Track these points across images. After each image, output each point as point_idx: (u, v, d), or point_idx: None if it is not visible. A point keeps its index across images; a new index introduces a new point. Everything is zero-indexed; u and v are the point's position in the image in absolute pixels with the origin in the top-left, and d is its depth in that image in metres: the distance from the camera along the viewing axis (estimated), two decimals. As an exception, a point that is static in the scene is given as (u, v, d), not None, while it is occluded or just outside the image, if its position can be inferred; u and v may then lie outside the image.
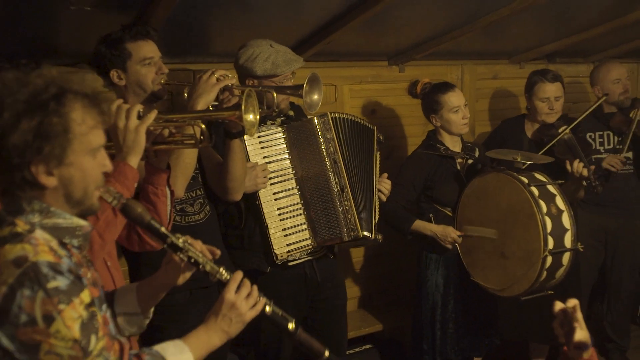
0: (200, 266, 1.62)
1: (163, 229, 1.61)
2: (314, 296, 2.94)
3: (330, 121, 2.83)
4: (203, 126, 2.03)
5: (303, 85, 2.55)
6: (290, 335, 1.70)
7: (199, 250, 1.65)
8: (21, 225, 1.40)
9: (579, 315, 1.70)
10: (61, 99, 1.39)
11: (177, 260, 1.64)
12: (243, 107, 2.05)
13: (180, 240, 1.61)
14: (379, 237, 2.95)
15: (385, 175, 3.03)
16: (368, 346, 3.75)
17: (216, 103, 2.39)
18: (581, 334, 1.71)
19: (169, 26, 2.70)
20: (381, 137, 3.03)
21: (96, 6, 2.44)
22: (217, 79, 2.33)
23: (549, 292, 3.05)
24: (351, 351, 3.66)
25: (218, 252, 1.70)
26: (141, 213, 1.59)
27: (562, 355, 1.80)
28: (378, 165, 3.00)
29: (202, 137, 2.06)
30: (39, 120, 1.35)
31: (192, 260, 1.61)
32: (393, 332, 3.82)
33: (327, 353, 1.73)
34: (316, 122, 2.81)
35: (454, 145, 3.36)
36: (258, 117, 2.16)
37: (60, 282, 1.33)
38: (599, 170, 3.60)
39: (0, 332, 1.30)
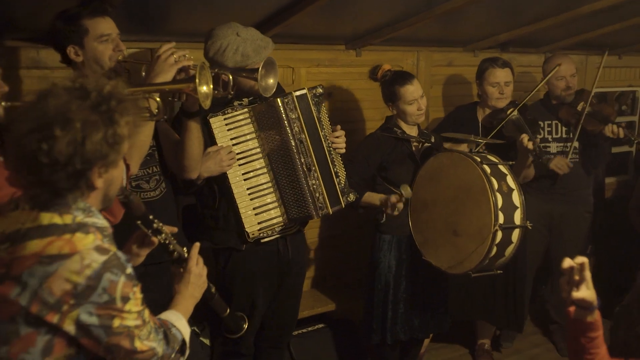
0: (171, 246, 1.92)
1: (151, 216, 1.88)
2: (284, 272, 2.99)
3: (295, 100, 2.81)
4: (158, 99, 2.05)
5: (258, 69, 2.58)
6: (212, 295, 2.10)
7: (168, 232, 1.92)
8: (78, 219, 1.56)
9: (587, 274, 1.77)
10: (122, 110, 1.55)
11: (155, 241, 1.91)
12: (197, 79, 2.08)
13: (160, 225, 1.90)
14: (351, 197, 2.99)
15: (338, 127, 3.01)
16: (320, 325, 3.82)
17: None
18: (587, 293, 1.78)
19: (128, 3, 2.68)
20: (318, 90, 2.92)
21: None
22: (176, 60, 2.34)
23: (498, 271, 3.15)
24: (304, 330, 3.73)
25: (175, 229, 1.99)
26: (141, 206, 1.86)
27: (567, 317, 1.87)
28: (326, 120, 2.98)
29: (157, 110, 2.09)
30: (109, 130, 1.52)
31: (167, 242, 1.90)
32: (345, 312, 3.88)
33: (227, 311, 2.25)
34: (280, 103, 2.79)
35: (410, 130, 3.42)
36: (212, 87, 2.20)
37: (130, 269, 1.58)
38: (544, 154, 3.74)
39: (80, 309, 1.50)
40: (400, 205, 3.10)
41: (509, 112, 3.60)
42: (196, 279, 1.95)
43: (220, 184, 2.80)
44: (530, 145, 3.38)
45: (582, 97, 4.00)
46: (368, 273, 3.50)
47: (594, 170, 4.23)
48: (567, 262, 1.77)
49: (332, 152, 2.95)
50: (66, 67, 2.54)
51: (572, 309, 1.84)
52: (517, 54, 4.55)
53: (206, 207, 2.88)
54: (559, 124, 4.08)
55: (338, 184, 2.93)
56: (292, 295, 3.11)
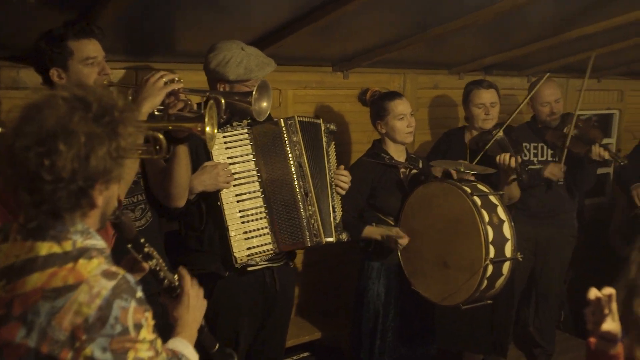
0: (162, 273, 1.74)
1: (142, 240, 1.72)
2: (270, 305, 2.91)
3: (297, 124, 2.78)
4: (161, 136, 1.97)
5: (252, 92, 2.52)
6: (201, 329, 1.90)
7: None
8: (78, 243, 1.43)
9: (614, 306, 1.70)
10: (125, 121, 1.44)
11: (146, 267, 1.74)
12: (206, 119, 2.01)
13: (152, 250, 1.73)
14: (343, 236, 2.93)
15: (342, 167, 3.01)
16: (306, 354, 3.74)
17: (162, 107, 2.33)
18: (612, 325, 1.71)
19: (116, 23, 2.60)
20: (331, 127, 2.98)
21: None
22: (165, 83, 2.27)
23: (488, 301, 3.13)
24: (290, 359, 3.64)
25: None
26: (133, 228, 1.69)
27: (588, 348, 1.82)
28: (333, 157, 2.98)
29: (158, 148, 2.00)
30: (113, 144, 1.40)
31: (158, 268, 1.73)
32: (331, 340, 3.81)
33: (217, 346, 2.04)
34: (283, 125, 2.75)
35: (398, 155, 3.38)
36: (216, 130, 2.13)
37: (140, 293, 1.45)
38: (530, 171, 3.75)
39: (93, 345, 1.35)
40: (404, 241, 3.09)
41: (494, 133, 3.59)
42: (195, 300, 1.81)
43: (209, 203, 2.70)
44: (512, 163, 3.36)
45: (568, 120, 4.02)
46: (355, 301, 3.44)
47: (579, 192, 4.26)
48: (594, 293, 1.71)
49: (334, 187, 2.92)
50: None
51: (593, 340, 1.79)
52: (500, 77, 4.56)
53: (191, 228, 2.77)
54: (545, 147, 4.10)
55: (334, 219, 2.89)
56: (278, 330, 3.02)
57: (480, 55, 4.22)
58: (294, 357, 3.67)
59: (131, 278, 1.44)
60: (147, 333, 1.43)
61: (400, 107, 3.29)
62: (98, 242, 1.48)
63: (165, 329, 1.75)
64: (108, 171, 1.41)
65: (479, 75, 4.39)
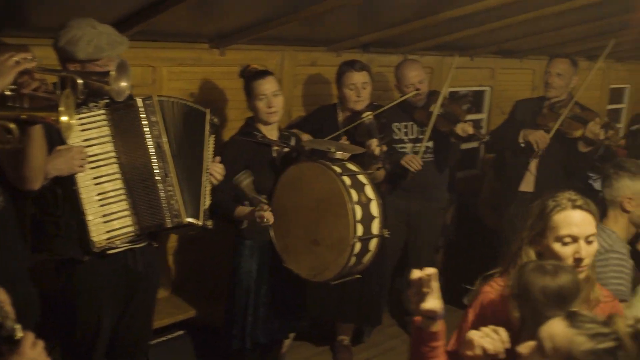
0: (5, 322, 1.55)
1: None
2: (133, 287, 2.87)
3: (156, 104, 2.74)
4: (13, 126, 1.87)
5: (109, 71, 2.44)
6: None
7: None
8: None
9: (435, 284, 1.80)
10: None
11: None
12: (62, 108, 1.93)
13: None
14: (209, 223, 2.94)
15: (218, 159, 3.01)
16: (180, 332, 3.72)
17: (14, 87, 2.21)
18: (434, 303, 1.82)
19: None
20: (215, 120, 2.99)
21: None
22: (17, 62, 2.15)
23: (357, 276, 3.23)
24: (163, 338, 3.61)
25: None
26: None
27: (413, 325, 1.90)
28: (211, 149, 2.97)
29: (10, 136, 1.90)
30: None
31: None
32: (207, 318, 3.82)
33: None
34: (139, 105, 2.69)
35: (270, 133, 3.40)
36: (73, 119, 2.05)
37: None
38: (393, 156, 3.90)
39: None
40: (269, 216, 3.09)
41: (364, 115, 3.67)
42: None
43: (65, 187, 2.62)
44: (377, 151, 3.46)
45: (434, 99, 4.19)
46: (229, 279, 3.46)
47: (447, 167, 4.47)
48: (416, 274, 1.81)
49: (208, 175, 2.93)
50: None
51: (418, 318, 1.90)
52: (378, 55, 4.66)
53: (46, 213, 2.67)
54: (414, 125, 4.26)
55: (203, 204, 2.89)
56: (143, 311, 2.99)
57: (357, 33, 4.28)
58: (168, 336, 3.64)
59: None
60: None
61: (261, 87, 3.28)
62: None
63: None
64: None
65: (357, 53, 4.47)
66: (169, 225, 2.76)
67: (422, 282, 1.81)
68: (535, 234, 2.23)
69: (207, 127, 2.92)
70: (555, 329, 1.65)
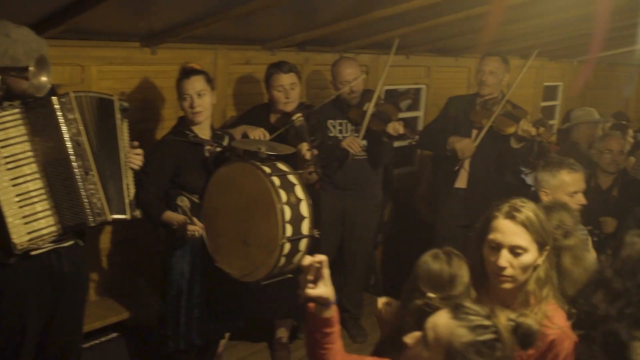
0: None
1: None
2: (59, 289, 2.83)
3: (73, 101, 2.69)
4: None
5: (28, 67, 2.40)
6: None
7: None
8: None
9: (326, 271, 1.82)
10: None
11: None
12: None
13: None
14: (137, 213, 2.91)
15: (136, 143, 2.96)
16: (114, 335, 3.68)
17: None
18: (324, 290, 1.84)
19: None
20: (125, 104, 2.92)
21: None
22: None
23: (288, 275, 3.26)
24: (96, 341, 3.57)
25: None
26: None
27: (308, 311, 1.93)
28: (126, 135, 2.92)
29: None
30: None
31: None
32: (141, 319, 3.78)
33: None
34: (55, 103, 2.65)
35: (203, 132, 3.39)
36: None
37: None
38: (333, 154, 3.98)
39: None
40: (197, 229, 3.11)
41: (294, 117, 3.68)
42: None
43: None
44: (307, 155, 3.49)
45: (368, 97, 4.24)
46: (161, 279, 3.45)
47: (380, 165, 4.53)
48: (308, 260, 1.83)
49: (128, 165, 2.89)
50: None
51: (311, 305, 1.92)
52: (313, 53, 4.68)
53: None
54: (349, 123, 4.31)
55: (128, 196, 2.86)
56: (72, 313, 2.95)
57: (292, 32, 4.27)
58: (102, 339, 3.60)
59: None
60: None
61: (184, 86, 3.27)
62: None
63: None
64: None
65: (291, 51, 4.48)
66: (92, 224, 2.74)
67: (312, 269, 1.84)
68: (479, 233, 2.28)
69: (118, 115, 2.87)
70: (439, 319, 1.71)
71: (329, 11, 3.96)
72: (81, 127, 2.71)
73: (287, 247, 3.02)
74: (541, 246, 2.20)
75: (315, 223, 3.15)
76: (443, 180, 4.68)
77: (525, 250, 2.17)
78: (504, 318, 1.66)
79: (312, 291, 1.84)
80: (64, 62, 3.39)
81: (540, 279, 2.21)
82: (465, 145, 4.36)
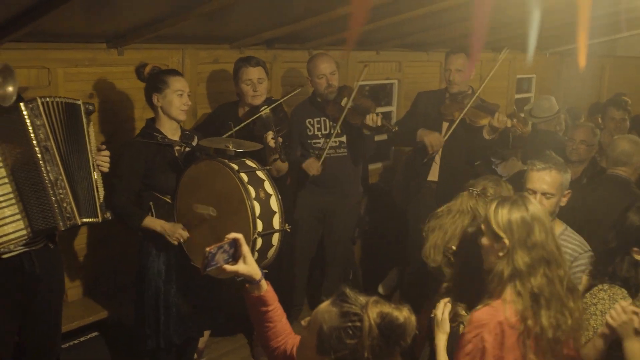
0: None
1: None
2: (30, 290, 2.84)
3: (40, 107, 2.72)
4: None
5: None
6: None
7: None
8: None
9: (245, 249, 1.92)
10: None
11: None
12: None
13: None
14: (107, 215, 2.96)
15: (103, 146, 3.01)
16: (94, 334, 3.69)
17: None
18: (244, 267, 1.94)
19: None
20: (91, 107, 2.96)
21: None
22: None
23: (264, 270, 3.27)
24: (75, 341, 3.58)
25: None
26: None
27: (244, 291, 1.96)
28: (93, 138, 2.96)
29: None
30: None
31: None
32: (120, 318, 3.80)
33: None
34: (23, 109, 2.67)
35: (172, 132, 3.41)
36: None
37: None
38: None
39: None
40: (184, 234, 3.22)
41: (261, 109, 3.73)
42: None
43: None
44: (272, 143, 3.54)
45: (345, 92, 4.27)
46: (137, 279, 3.46)
47: (362, 161, 4.56)
48: (232, 235, 1.92)
49: (96, 167, 2.93)
50: None
51: (247, 285, 1.97)
52: (282, 50, 4.70)
53: None
54: (327, 120, 4.33)
55: (97, 198, 2.90)
56: (47, 313, 2.98)
57: (259, 30, 4.30)
58: (82, 339, 3.61)
59: None
60: None
61: (179, 83, 3.35)
62: None
63: None
64: None
65: (260, 49, 4.51)
66: (63, 228, 2.78)
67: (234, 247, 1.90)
68: None
69: (85, 119, 2.90)
70: (323, 304, 1.74)
71: (295, 8, 3.99)
72: (49, 133, 2.73)
73: (260, 242, 3.04)
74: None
75: (286, 217, 3.18)
76: (416, 173, 4.72)
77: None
78: (375, 311, 1.65)
79: (230, 267, 1.90)
80: (30, 65, 3.41)
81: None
82: (434, 139, 4.41)
